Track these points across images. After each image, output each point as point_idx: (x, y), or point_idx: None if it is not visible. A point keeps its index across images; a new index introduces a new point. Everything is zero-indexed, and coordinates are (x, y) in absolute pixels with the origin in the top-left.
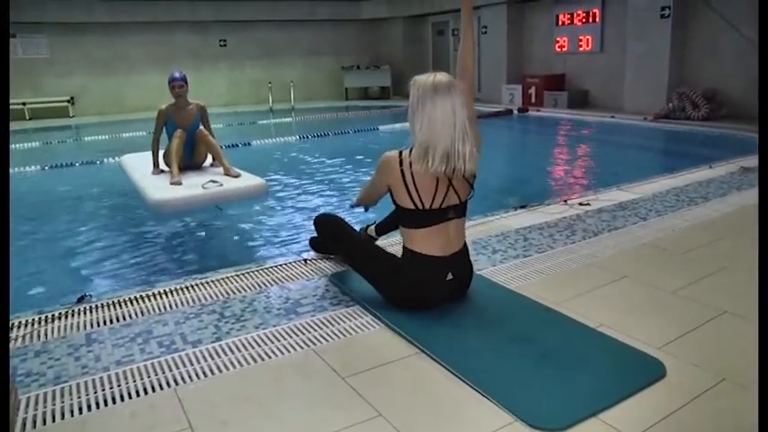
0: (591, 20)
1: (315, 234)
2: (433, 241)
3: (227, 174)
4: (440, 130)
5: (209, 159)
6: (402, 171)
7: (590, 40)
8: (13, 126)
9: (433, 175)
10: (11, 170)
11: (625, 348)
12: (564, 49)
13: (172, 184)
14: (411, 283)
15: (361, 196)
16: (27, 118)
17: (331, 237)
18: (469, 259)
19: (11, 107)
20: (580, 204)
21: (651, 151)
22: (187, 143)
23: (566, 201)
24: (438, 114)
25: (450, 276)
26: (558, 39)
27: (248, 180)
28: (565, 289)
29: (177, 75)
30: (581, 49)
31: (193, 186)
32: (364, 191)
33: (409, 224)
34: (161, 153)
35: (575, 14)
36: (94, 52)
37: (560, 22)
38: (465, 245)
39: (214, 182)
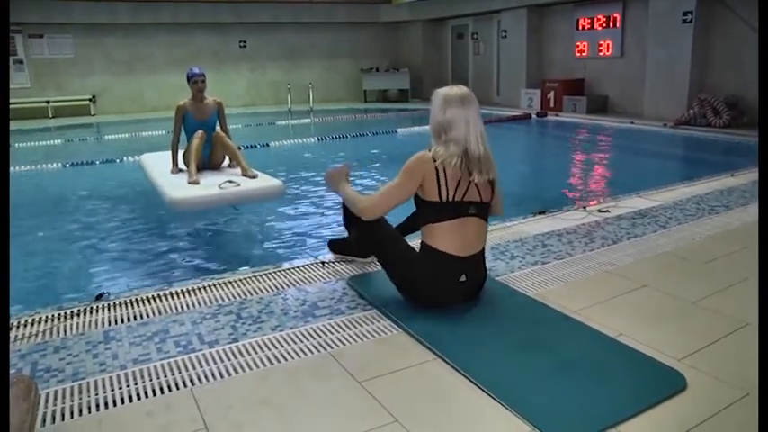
0: (611, 24)
1: (333, 236)
2: (452, 238)
3: (244, 174)
4: (454, 132)
5: (227, 161)
6: (436, 164)
7: (610, 45)
8: (37, 124)
9: (458, 168)
10: (32, 167)
11: (645, 359)
12: (584, 54)
13: (189, 183)
14: (423, 277)
15: (375, 202)
16: (50, 116)
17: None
18: (485, 264)
19: (35, 105)
20: (599, 211)
21: (671, 158)
22: (206, 144)
23: (584, 207)
24: (450, 120)
25: (463, 278)
26: (578, 43)
27: (265, 181)
28: (583, 297)
29: (197, 70)
30: (601, 53)
31: (210, 186)
32: (382, 197)
33: (432, 218)
34: (180, 152)
35: (595, 19)
36: (116, 52)
37: (580, 27)
38: (483, 250)
39: (231, 182)
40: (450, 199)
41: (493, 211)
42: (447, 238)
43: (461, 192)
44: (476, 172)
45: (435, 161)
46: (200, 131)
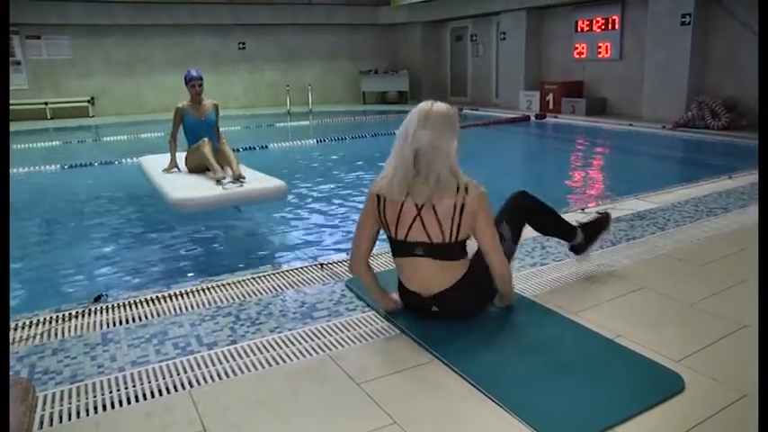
0: (610, 27)
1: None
2: (408, 275)
3: (235, 178)
4: (396, 157)
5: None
6: (378, 195)
7: (609, 47)
8: (35, 125)
9: (397, 202)
10: (31, 168)
11: (643, 361)
12: (582, 56)
13: (217, 181)
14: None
15: (353, 253)
16: (48, 117)
17: None
18: (467, 291)
19: (33, 106)
20: (598, 213)
21: (669, 160)
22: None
23: (583, 209)
24: (400, 142)
25: (435, 309)
26: (577, 45)
27: (268, 181)
28: (582, 298)
29: (195, 73)
30: (600, 55)
31: (213, 187)
32: (354, 243)
33: (391, 250)
34: (182, 155)
35: (594, 21)
36: (115, 54)
37: (579, 29)
38: (459, 282)
39: (235, 182)
40: (393, 236)
41: (488, 261)
42: (403, 274)
43: (403, 232)
44: (419, 200)
45: (378, 192)
46: (205, 139)
